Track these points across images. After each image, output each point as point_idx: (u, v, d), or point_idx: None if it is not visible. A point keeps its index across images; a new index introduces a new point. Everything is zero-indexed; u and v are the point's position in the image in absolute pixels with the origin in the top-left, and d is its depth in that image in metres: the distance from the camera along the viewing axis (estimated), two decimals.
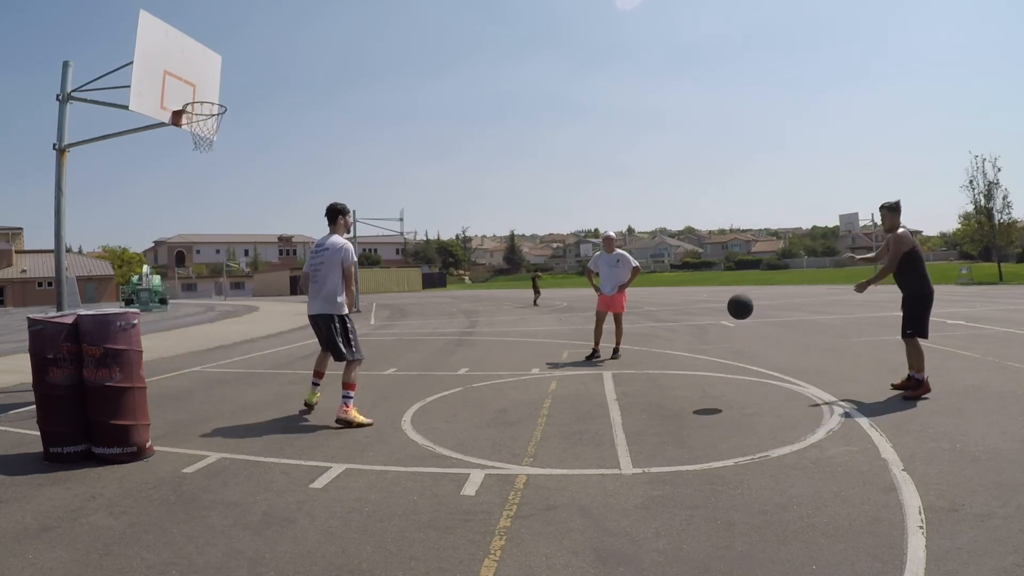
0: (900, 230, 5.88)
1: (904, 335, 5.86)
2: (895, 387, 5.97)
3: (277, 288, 69.20)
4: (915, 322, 5.81)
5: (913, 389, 5.70)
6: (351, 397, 5.43)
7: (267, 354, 11.20)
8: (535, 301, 26.46)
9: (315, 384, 6.04)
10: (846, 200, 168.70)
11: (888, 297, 22.14)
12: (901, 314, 5.99)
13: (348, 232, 5.92)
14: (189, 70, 7.49)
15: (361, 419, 5.33)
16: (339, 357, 5.61)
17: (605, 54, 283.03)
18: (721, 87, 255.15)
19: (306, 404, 6.02)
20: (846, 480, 3.58)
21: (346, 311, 5.64)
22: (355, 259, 5.79)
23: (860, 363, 7.76)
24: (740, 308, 6.00)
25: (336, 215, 5.74)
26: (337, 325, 5.59)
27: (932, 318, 5.94)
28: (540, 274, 32.86)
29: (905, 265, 5.83)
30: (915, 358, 5.77)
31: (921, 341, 5.78)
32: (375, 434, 5.01)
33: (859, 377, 6.75)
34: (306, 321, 6.22)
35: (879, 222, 6.22)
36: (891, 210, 5.91)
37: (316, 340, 6.13)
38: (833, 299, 21.81)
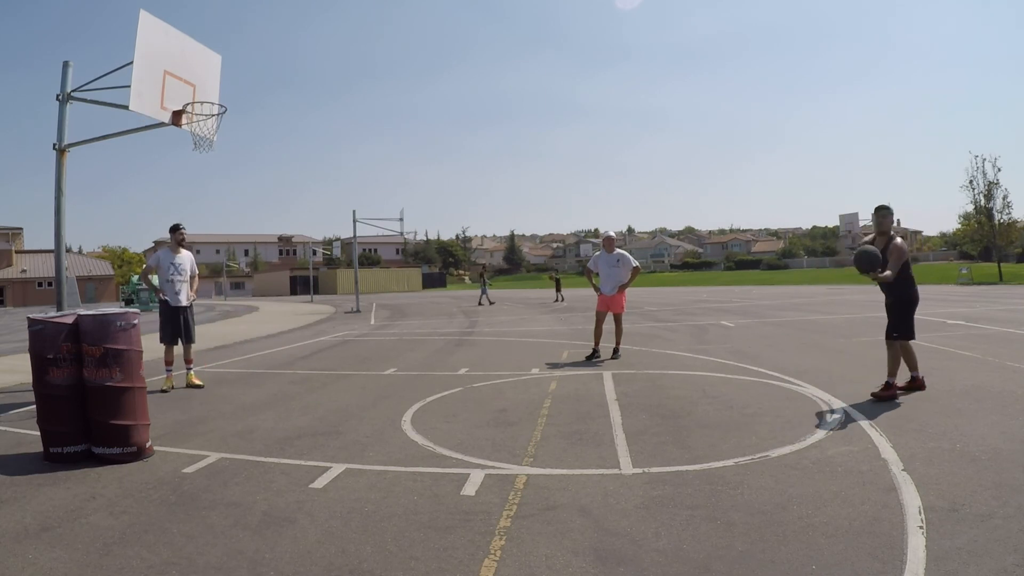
0: (899, 240, 5.90)
1: (890, 337, 5.90)
2: (899, 388, 5.89)
3: (277, 288, 69.18)
4: (902, 325, 5.86)
5: (911, 382, 5.87)
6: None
7: (267, 354, 11.20)
8: (559, 299, 28.01)
9: (187, 370, 7.68)
10: (846, 200, 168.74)
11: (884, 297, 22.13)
12: (887, 318, 6.04)
13: (183, 244, 7.68)
14: (189, 70, 7.49)
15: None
16: (192, 338, 7.65)
17: (605, 54, 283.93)
18: (721, 87, 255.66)
19: (173, 386, 7.38)
20: (846, 480, 3.58)
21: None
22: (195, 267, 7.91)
23: (860, 363, 7.76)
24: (864, 259, 5.74)
25: (175, 235, 7.63)
26: (192, 312, 7.72)
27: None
28: (560, 275, 33.62)
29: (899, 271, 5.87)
30: (909, 358, 5.90)
31: (913, 341, 5.84)
32: (375, 434, 5.01)
33: (859, 377, 6.74)
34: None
35: (879, 222, 6.21)
36: (886, 211, 5.99)
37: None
38: (833, 299, 21.80)
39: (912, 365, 5.93)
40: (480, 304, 26.49)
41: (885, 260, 5.87)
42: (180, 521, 3.30)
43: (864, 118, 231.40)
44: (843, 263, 70.39)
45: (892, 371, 5.82)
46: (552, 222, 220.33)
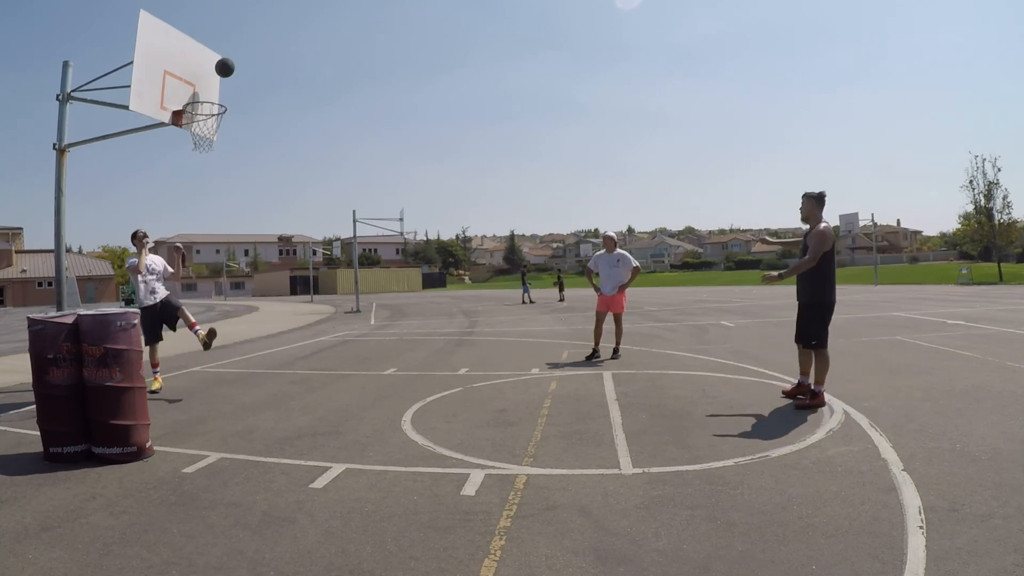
0: (822, 224, 5.45)
1: (808, 345, 5.56)
2: (786, 394, 5.78)
3: (277, 288, 69.17)
4: (819, 333, 5.49)
5: (810, 398, 5.41)
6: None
7: (267, 354, 11.20)
8: (561, 298, 28.50)
9: (155, 372, 7.46)
10: (846, 200, 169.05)
11: (883, 297, 22.13)
12: (798, 321, 5.67)
13: (146, 246, 7.65)
14: (189, 70, 7.49)
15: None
16: (173, 327, 7.74)
17: (605, 54, 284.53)
18: (721, 87, 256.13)
19: (154, 391, 7.11)
20: (846, 480, 3.58)
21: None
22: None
23: (860, 363, 7.76)
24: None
25: (134, 241, 7.63)
26: (170, 304, 7.64)
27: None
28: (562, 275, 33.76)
29: (817, 266, 5.50)
30: (821, 370, 5.44)
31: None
32: (375, 434, 5.01)
33: (859, 377, 6.75)
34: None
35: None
36: (815, 200, 5.52)
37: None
38: None
39: (821, 378, 5.43)
40: (524, 302, 27.30)
41: (806, 247, 5.54)
42: (180, 521, 3.30)
43: (864, 118, 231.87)
44: (843, 263, 70.28)
45: (821, 379, 5.45)
46: (552, 222, 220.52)
